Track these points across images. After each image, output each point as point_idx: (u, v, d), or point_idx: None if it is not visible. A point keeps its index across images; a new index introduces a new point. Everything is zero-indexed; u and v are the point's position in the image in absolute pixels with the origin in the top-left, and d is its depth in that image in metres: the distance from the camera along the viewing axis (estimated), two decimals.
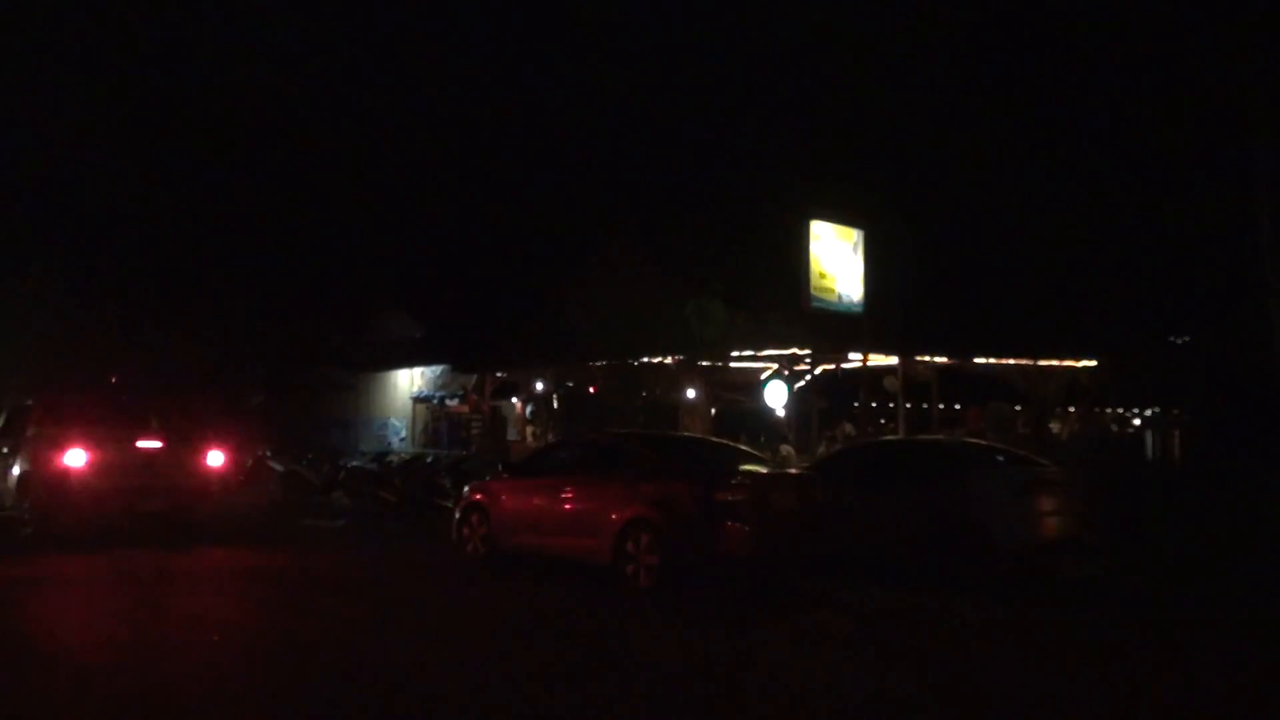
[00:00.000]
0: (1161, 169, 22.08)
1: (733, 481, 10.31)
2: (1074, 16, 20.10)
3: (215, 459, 14.72)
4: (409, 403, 30.05)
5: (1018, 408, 24.23)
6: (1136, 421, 30.11)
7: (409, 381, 30.15)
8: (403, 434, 29.92)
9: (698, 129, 24.20)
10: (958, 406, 27.04)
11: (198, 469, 14.49)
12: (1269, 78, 15.32)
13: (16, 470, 14.20)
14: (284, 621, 9.08)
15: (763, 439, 21.65)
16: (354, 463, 21.59)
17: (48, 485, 13.56)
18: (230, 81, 28.52)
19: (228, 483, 15.62)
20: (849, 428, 22.60)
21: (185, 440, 14.42)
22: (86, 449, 13.57)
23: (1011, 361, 23.27)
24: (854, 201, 21.71)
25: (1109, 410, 27.29)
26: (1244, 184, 16.05)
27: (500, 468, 13.76)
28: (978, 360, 23.13)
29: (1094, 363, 23.65)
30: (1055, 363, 23.54)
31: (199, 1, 27.69)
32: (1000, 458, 12.69)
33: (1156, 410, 28.05)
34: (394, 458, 22.23)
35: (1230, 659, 8.20)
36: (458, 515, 12.96)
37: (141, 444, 14.04)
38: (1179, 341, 24.88)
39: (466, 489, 13.55)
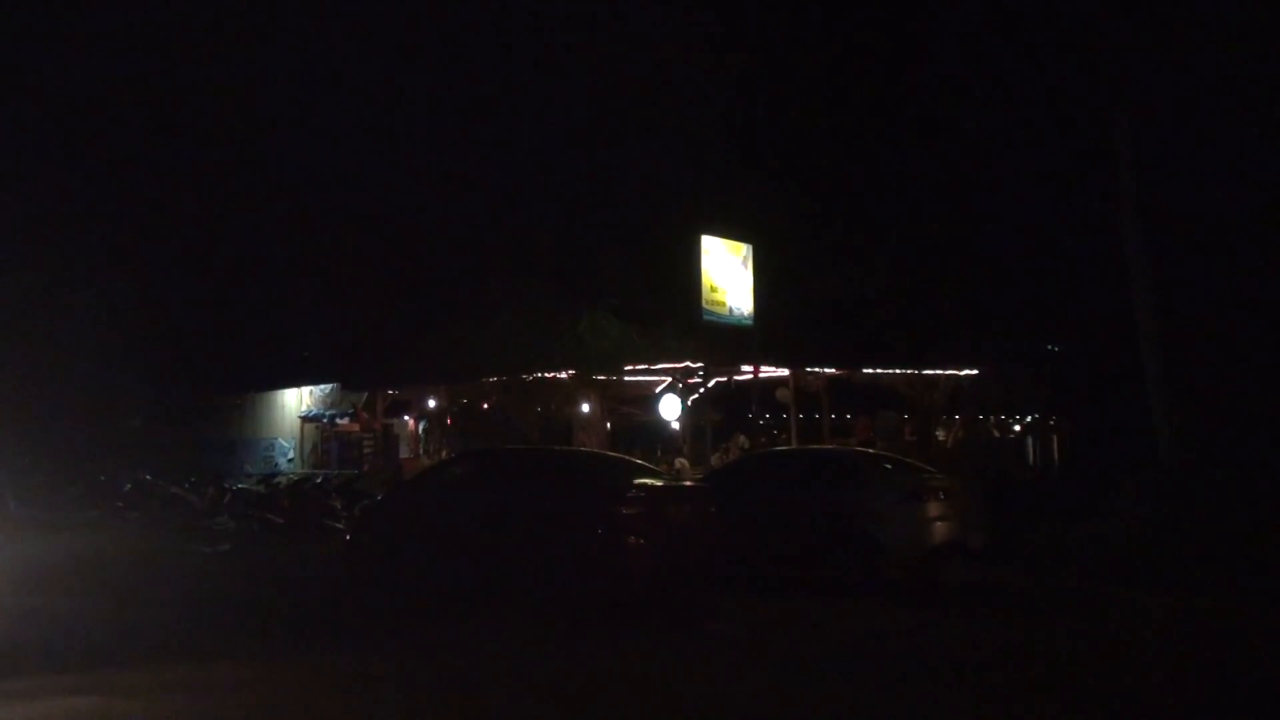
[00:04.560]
0: (1034, 187, 23.03)
1: (628, 495, 10.35)
2: (951, 38, 20.86)
3: None
4: (297, 422, 29.35)
5: (905, 416, 24.91)
6: (1017, 428, 31.16)
7: (297, 400, 29.47)
8: (291, 455, 29.20)
9: (589, 143, 24.20)
10: (848, 416, 27.63)
11: None
12: (1131, 102, 16.11)
13: None
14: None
15: (658, 452, 21.83)
16: (239, 485, 20.99)
17: None
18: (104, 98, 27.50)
19: None
20: (743, 439, 22.88)
21: None
22: None
23: (898, 371, 23.92)
24: (742, 216, 22.03)
25: (991, 417, 28.22)
26: (1111, 201, 16.82)
27: (393, 487, 13.57)
28: (866, 371, 23.70)
29: (975, 371, 24.46)
30: (939, 372, 24.27)
31: None
32: (888, 466, 13.01)
33: (1035, 416, 29.10)
34: (282, 479, 21.67)
35: (1106, 654, 8.56)
36: (349, 537, 12.73)
37: None
38: (1054, 350, 25.87)
39: (358, 510, 13.34)
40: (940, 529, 11.64)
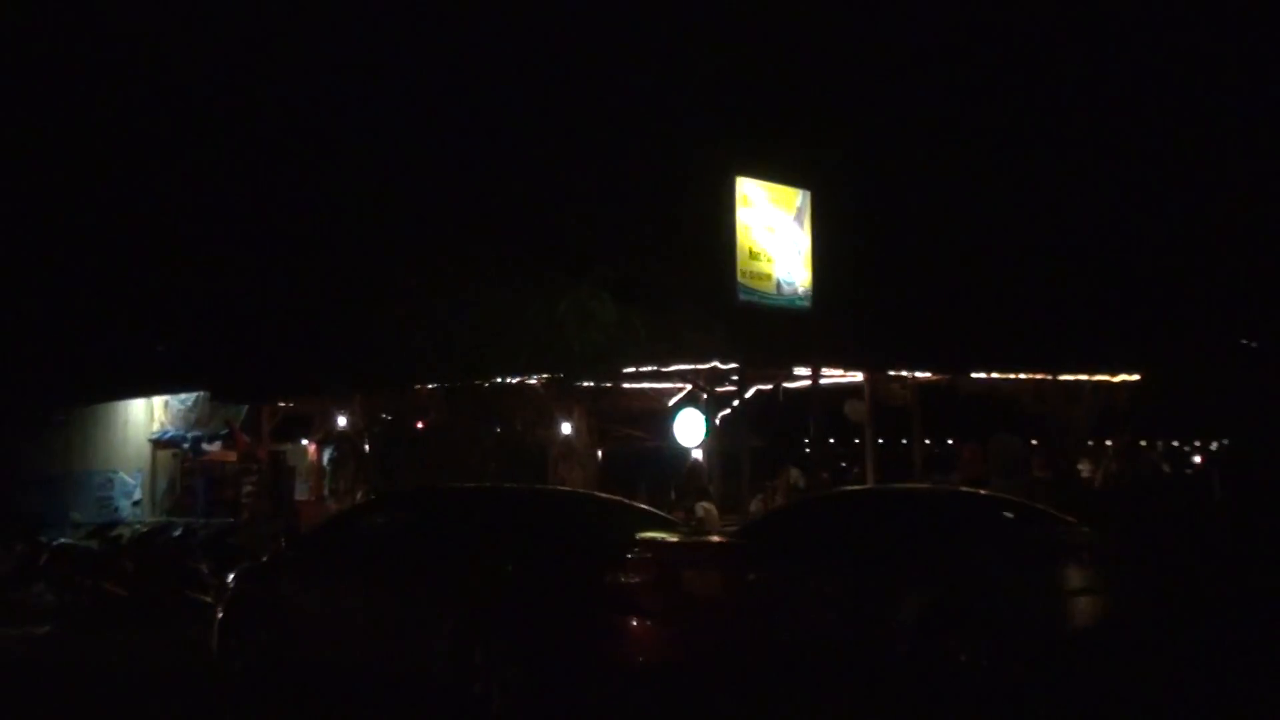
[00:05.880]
0: (1225, 122, 22.93)
1: (628, 555, 10.27)
2: None
3: None
4: (147, 448, 29.34)
5: (1033, 442, 24.79)
6: (1197, 459, 31.15)
7: (146, 416, 29.45)
8: (137, 495, 29.20)
9: (577, 58, 24.11)
10: (949, 442, 27.58)
11: None
12: None
13: None
14: None
15: (672, 494, 21.73)
16: (62, 539, 21.02)
17: None
18: None
19: None
20: (795, 475, 22.84)
21: None
22: None
23: (1022, 377, 23.81)
24: (798, 149, 21.95)
25: (1159, 443, 28.18)
26: None
27: (285, 542, 13.58)
28: (976, 376, 23.60)
29: (1136, 377, 24.34)
30: (1084, 378, 24.16)
31: None
32: (1009, 514, 12.94)
33: (1225, 442, 29.07)
34: (124, 531, 21.70)
35: None
36: (221, 614, 12.77)
37: None
38: (1251, 347, 25.83)
39: (235, 575, 13.35)
40: (1085, 605, 11.61)
